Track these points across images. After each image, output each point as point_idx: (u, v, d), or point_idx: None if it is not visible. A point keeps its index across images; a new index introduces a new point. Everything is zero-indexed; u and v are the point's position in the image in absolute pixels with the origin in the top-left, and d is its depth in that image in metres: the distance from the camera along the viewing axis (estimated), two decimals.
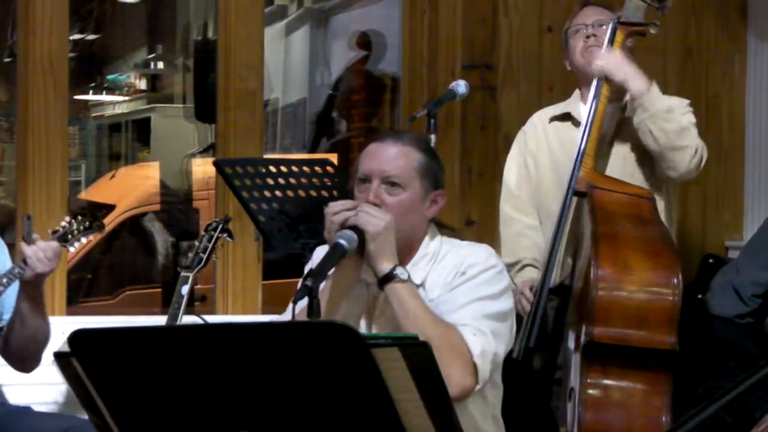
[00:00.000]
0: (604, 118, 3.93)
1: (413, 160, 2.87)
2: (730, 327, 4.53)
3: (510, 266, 4.03)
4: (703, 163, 3.94)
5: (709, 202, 5.34)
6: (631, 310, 3.56)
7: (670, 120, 3.85)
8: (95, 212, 3.79)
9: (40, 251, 3.44)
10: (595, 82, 3.92)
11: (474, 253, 2.87)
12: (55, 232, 3.58)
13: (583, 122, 3.92)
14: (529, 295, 3.94)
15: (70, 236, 3.60)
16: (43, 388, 4.07)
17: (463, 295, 2.80)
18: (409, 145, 2.89)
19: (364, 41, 7.20)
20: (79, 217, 3.64)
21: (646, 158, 3.97)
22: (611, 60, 3.88)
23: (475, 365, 2.70)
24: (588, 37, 4.00)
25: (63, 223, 3.61)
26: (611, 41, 3.93)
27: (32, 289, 3.48)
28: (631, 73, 3.88)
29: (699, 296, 4.85)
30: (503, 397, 2.99)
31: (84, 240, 3.65)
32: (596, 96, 3.91)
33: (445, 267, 2.87)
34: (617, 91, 3.93)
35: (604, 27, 3.98)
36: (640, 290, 3.58)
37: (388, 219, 2.78)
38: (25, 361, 3.59)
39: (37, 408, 3.78)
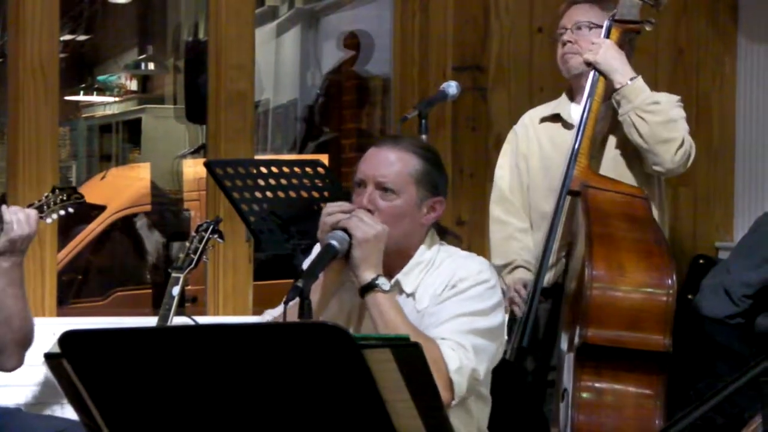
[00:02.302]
0: (599, 116, 3.93)
1: (409, 166, 2.85)
2: (720, 328, 4.53)
3: (501, 267, 4.03)
4: (691, 159, 3.91)
5: (700, 202, 5.35)
6: (624, 311, 3.56)
7: (655, 112, 3.84)
8: (75, 188, 3.75)
9: (20, 212, 3.40)
10: (589, 81, 3.92)
11: (467, 266, 2.84)
12: (31, 204, 3.56)
13: (577, 121, 3.92)
14: (524, 294, 3.94)
15: (46, 207, 3.57)
16: (33, 389, 4.06)
17: (449, 308, 2.77)
18: (407, 150, 2.87)
19: (352, 42, 7.21)
20: (57, 191, 3.62)
21: (638, 159, 3.96)
22: (600, 50, 3.89)
23: (450, 380, 2.68)
24: (565, 44, 4.01)
25: (42, 197, 3.60)
26: (606, 38, 3.94)
27: (10, 259, 3.42)
28: (615, 65, 3.88)
29: (689, 297, 4.86)
30: (496, 401, 2.98)
31: (62, 212, 3.62)
32: (590, 95, 3.91)
33: (438, 277, 2.84)
34: (610, 89, 3.93)
35: (582, 29, 3.99)
36: (633, 291, 3.58)
37: (380, 228, 2.77)
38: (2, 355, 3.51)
39: (27, 410, 3.77)
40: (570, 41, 3.99)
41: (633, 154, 3.96)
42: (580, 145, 3.87)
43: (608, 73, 3.88)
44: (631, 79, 3.87)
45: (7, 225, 3.38)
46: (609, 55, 3.88)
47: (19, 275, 3.47)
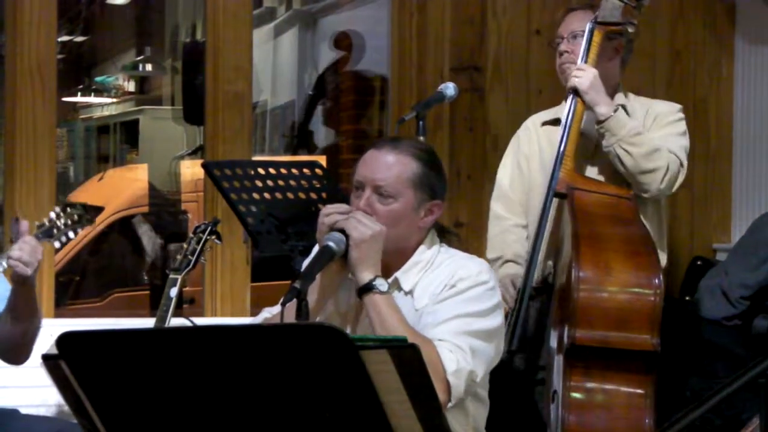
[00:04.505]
0: (595, 121, 3.94)
1: (407, 170, 2.84)
2: (717, 329, 4.54)
3: (493, 261, 4.05)
4: (679, 181, 3.93)
5: (697, 204, 5.35)
6: (612, 311, 3.56)
7: (638, 144, 3.86)
8: (85, 204, 3.65)
9: (23, 253, 3.34)
10: None
11: (466, 267, 2.84)
12: (40, 225, 3.48)
13: (562, 124, 3.93)
14: (513, 292, 3.95)
15: (56, 231, 3.49)
16: (31, 390, 4.06)
17: (448, 309, 2.77)
18: (406, 154, 2.86)
19: (345, 42, 7.20)
20: (68, 210, 3.52)
21: None
22: (585, 80, 3.90)
23: (447, 382, 2.68)
24: (561, 54, 4.01)
25: (51, 214, 3.50)
26: (589, 42, 3.95)
27: (25, 288, 3.41)
28: (600, 97, 3.90)
29: (687, 298, 4.86)
30: (490, 401, 2.98)
31: (72, 235, 3.52)
32: (574, 98, 3.92)
33: (437, 277, 2.85)
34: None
35: (578, 38, 3.99)
36: (620, 291, 3.59)
37: (377, 229, 2.77)
38: (17, 353, 3.51)
39: (24, 411, 3.76)
40: (567, 51, 4.00)
41: None
42: (565, 147, 3.88)
43: (592, 103, 3.90)
44: (614, 111, 3.88)
45: (16, 268, 3.32)
46: (596, 84, 3.90)
47: (33, 291, 3.45)
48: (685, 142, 3.99)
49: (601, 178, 3.98)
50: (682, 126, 3.99)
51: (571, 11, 4.08)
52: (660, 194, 3.94)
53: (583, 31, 3.99)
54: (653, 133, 3.95)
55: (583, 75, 3.90)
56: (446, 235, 2.97)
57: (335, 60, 7.35)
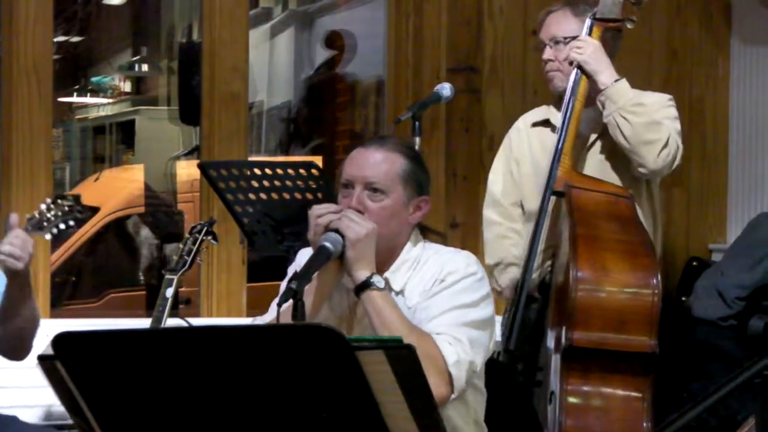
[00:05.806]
0: (587, 120, 3.93)
1: (396, 166, 2.86)
2: (713, 329, 4.54)
3: (493, 267, 4.04)
4: (677, 161, 3.87)
5: (693, 204, 5.35)
6: (610, 312, 3.55)
7: (639, 113, 3.82)
8: (77, 196, 3.61)
9: (14, 248, 3.32)
10: (571, 81, 3.91)
11: (454, 261, 2.85)
12: (30, 218, 3.44)
13: (560, 121, 3.92)
14: (507, 296, 3.95)
15: (45, 223, 3.44)
16: (27, 391, 4.05)
17: (441, 303, 2.78)
18: (393, 150, 2.88)
19: (337, 42, 7.21)
20: (59, 201, 3.47)
21: (625, 163, 3.95)
22: (586, 50, 3.88)
23: (449, 374, 2.69)
24: (546, 62, 4.00)
25: (42, 206, 3.46)
26: (588, 35, 3.94)
27: (18, 280, 3.39)
28: (601, 66, 3.86)
29: (683, 299, 4.86)
30: (487, 401, 2.98)
31: (62, 226, 3.47)
32: (573, 94, 3.90)
33: (426, 273, 2.86)
34: (593, 89, 3.92)
35: (560, 44, 3.98)
36: (619, 292, 3.57)
37: (371, 227, 2.78)
38: (17, 349, 3.51)
39: (21, 412, 3.75)
40: (551, 59, 3.98)
41: (620, 159, 3.95)
42: (563, 145, 3.86)
43: (593, 73, 3.86)
44: (616, 81, 3.86)
45: (6, 263, 3.30)
46: (596, 56, 3.87)
47: (29, 285, 3.44)
48: (678, 126, 3.94)
49: (595, 175, 3.96)
50: (674, 111, 3.96)
51: (549, 14, 4.05)
52: (657, 170, 3.85)
53: (564, 38, 3.97)
54: None
55: (584, 46, 3.88)
56: (429, 234, 2.98)
57: (327, 59, 7.36)
